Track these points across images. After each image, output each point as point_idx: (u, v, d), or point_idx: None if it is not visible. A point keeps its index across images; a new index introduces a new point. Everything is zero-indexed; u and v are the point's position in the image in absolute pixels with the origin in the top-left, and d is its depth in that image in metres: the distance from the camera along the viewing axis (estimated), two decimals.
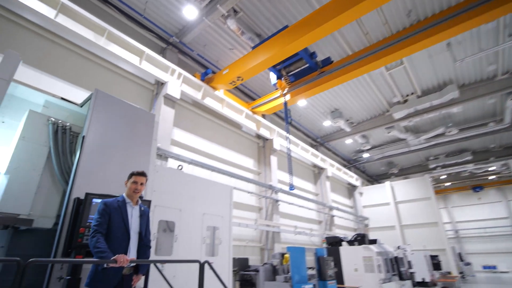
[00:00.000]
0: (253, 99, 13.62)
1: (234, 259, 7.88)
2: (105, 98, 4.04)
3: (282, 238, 12.73)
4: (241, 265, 7.80)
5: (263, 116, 14.08)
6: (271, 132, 14.00)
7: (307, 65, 11.10)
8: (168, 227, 4.65)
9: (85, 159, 3.55)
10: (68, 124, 3.89)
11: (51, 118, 3.75)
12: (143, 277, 2.87)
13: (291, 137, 15.06)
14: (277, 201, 12.80)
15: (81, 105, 4.25)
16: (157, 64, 9.58)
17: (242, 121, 12.45)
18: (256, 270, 7.42)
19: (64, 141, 3.80)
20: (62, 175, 3.65)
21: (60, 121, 3.81)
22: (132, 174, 2.94)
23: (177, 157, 9.30)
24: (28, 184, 3.41)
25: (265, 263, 7.93)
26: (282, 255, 7.62)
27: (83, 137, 3.62)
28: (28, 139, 3.55)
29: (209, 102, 11.07)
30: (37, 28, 7.36)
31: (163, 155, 8.84)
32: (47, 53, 7.47)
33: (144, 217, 2.95)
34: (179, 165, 5.74)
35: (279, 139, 14.21)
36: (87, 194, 3.12)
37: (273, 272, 7.46)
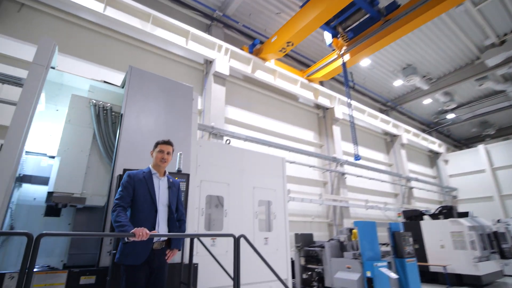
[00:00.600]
0: (308, 66, 12.72)
1: (297, 234, 7.65)
2: (140, 75, 4.01)
3: (352, 213, 11.98)
4: (304, 240, 7.52)
5: (321, 83, 13.11)
6: (332, 100, 12.99)
7: (367, 15, 9.71)
8: (219, 202, 4.58)
9: (125, 137, 3.60)
10: (108, 104, 4.02)
11: (92, 100, 3.91)
12: (180, 252, 2.75)
13: (355, 103, 13.79)
14: (343, 174, 12.00)
15: (122, 86, 4.33)
16: (203, 42, 9.52)
17: (298, 92, 11.78)
18: (322, 246, 7.06)
19: (106, 121, 3.95)
20: (108, 155, 3.81)
21: (101, 102, 3.96)
22: (157, 143, 2.79)
23: (232, 135, 9.28)
24: (78, 165, 3.64)
25: (331, 239, 7.49)
26: (350, 230, 7.06)
27: (121, 115, 3.66)
28: (74, 122, 3.77)
29: (260, 75, 10.69)
30: (89, 23, 7.92)
31: (218, 134, 8.91)
32: (99, 46, 8.02)
33: (174, 189, 2.78)
34: (227, 139, 5.60)
35: (341, 107, 13.12)
36: (124, 170, 3.15)
37: (341, 248, 6.99)
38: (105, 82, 4.36)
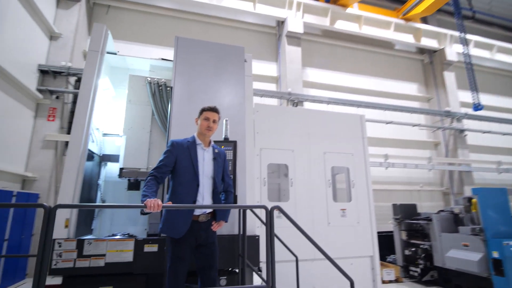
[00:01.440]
0: (403, 2, 10.52)
1: (395, 205, 6.69)
2: (186, 44, 3.94)
3: (477, 178, 9.77)
4: (405, 212, 6.49)
5: (424, 20, 10.74)
6: (440, 39, 10.53)
7: None
8: (288, 171, 4.27)
9: (176, 110, 3.63)
10: (163, 80, 4.14)
11: (148, 78, 4.09)
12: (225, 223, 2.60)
13: (477, 38, 10.85)
14: (461, 131, 9.77)
15: None
16: (272, 1, 8.97)
17: (392, 36, 9.99)
18: (428, 219, 5.96)
19: (162, 97, 4.09)
20: (166, 130, 3.96)
21: (155, 79, 4.11)
22: (203, 110, 2.60)
23: (312, 99, 8.64)
24: (141, 142, 3.92)
25: (441, 211, 6.24)
26: (469, 200, 5.71)
27: (171, 88, 3.69)
28: (134, 101, 4.04)
29: (341, 25, 9.46)
30: (163, 10, 8.47)
31: (297, 100, 8.42)
32: (172, 29, 8.52)
33: (219, 160, 2.62)
34: (294, 102, 5.12)
35: (455, 46, 10.50)
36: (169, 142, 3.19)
37: (455, 222, 5.75)
38: (162, 59, 4.51)
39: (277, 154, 4.03)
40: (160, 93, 4.09)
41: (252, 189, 3.70)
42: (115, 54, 4.29)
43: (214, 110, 2.61)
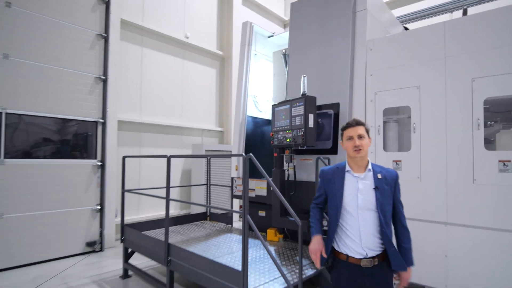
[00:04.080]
0: None
1: None
2: (299, 6, 4.36)
3: None
4: None
5: None
6: None
7: None
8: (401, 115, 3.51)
9: (291, 72, 4.31)
10: None
11: (283, 50, 4.92)
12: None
13: None
14: None
15: None
16: None
17: None
18: None
19: None
20: None
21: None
22: (342, 130, 2.24)
23: None
24: None
25: None
26: None
27: (287, 55, 4.45)
28: (277, 74, 5.01)
29: None
30: None
31: None
32: None
33: (385, 187, 2.07)
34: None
35: None
36: (272, 106, 4.01)
37: None
38: None
39: (396, 95, 3.48)
40: None
41: None
42: (273, 35, 5.56)
43: (353, 124, 2.16)
